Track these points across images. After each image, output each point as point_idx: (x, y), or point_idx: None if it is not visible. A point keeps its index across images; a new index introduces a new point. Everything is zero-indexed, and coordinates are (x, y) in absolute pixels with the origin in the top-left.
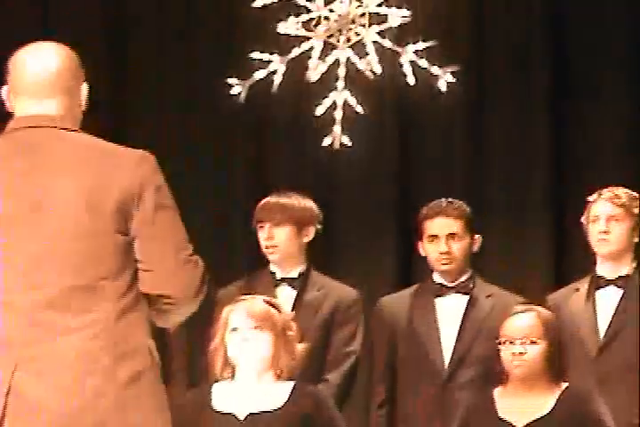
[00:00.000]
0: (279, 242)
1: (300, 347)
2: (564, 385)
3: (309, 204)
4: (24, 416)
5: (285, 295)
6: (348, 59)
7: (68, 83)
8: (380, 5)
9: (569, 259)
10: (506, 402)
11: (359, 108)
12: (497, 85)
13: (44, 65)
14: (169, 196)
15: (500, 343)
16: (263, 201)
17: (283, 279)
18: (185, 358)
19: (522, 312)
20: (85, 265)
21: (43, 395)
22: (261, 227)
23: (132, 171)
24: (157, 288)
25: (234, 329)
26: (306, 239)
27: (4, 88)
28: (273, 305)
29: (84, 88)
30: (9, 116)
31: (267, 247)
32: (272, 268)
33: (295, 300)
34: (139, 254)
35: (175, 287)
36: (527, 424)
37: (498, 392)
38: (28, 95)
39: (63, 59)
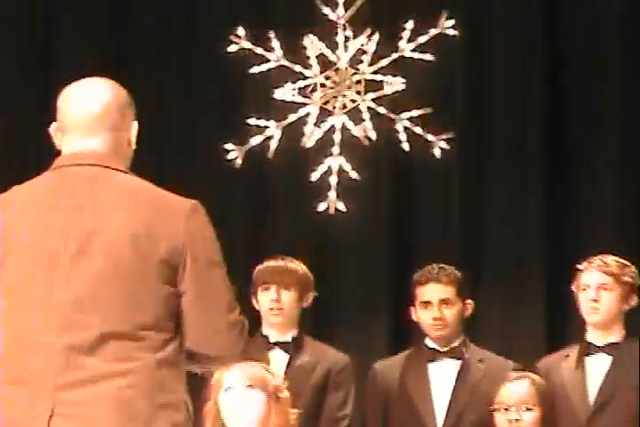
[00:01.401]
0: (285, 305)
1: (292, 414)
2: None
3: (307, 270)
4: None
5: (278, 359)
6: (344, 125)
7: (115, 120)
8: (375, 73)
9: (560, 325)
10: None
11: (354, 175)
12: (492, 155)
13: (91, 101)
14: (219, 251)
15: (495, 410)
16: (267, 264)
17: (276, 343)
18: None
19: (517, 379)
20: (129, 312)
21: None
22: (266, 289)
23: (183, 223)
24: (202, 347)
25: (227, 389)
26: (305, 304)
27: (53, 125)
28: (266, 370)
29: (135, 126)
30: (58, 153)
31: (271, 309)
32: (265, 331)
33: (288, 364)
34: (186, 310)
35: (220, 349)
36: None
37: None
38: (75, 132)
39: (111, 95)
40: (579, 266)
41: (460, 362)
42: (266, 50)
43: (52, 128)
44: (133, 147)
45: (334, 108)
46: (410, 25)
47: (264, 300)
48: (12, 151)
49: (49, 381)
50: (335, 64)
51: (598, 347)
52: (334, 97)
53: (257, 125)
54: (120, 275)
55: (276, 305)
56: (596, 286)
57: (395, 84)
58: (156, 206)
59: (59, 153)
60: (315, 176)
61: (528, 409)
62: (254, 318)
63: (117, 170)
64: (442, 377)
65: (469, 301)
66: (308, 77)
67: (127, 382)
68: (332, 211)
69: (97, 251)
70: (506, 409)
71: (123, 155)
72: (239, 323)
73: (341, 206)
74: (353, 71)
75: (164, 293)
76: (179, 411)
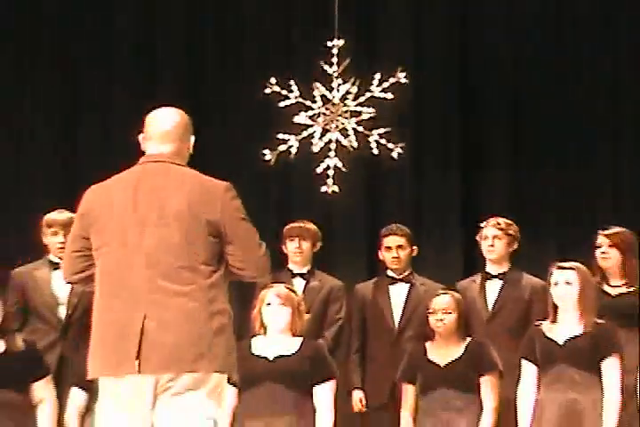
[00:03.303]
0: (303, 250)
1: (307, 316)
2: (469, 339)
3: (317, 228)
4: (153, 346)
5: (298, 284)
6: (337, 138)
7: (180, 134)
8: (357, 106)
9: (470, 262)
10: (433, 350)
11: (343, 169)
12: (424, 158)
13: (165, 122)
14: (244, 212)
15: (429, 313)
16: (292, 225)
17: (297, 274)
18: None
19: (443, 293)
20: (188, 254)
21: (163, 334)
22: (292, 240)
23: (221, 196)
24: (244, 271)
25: (268, 304)
26: (315, 250)
27: (141, 135)
28: (291, 290)
29: (192, 138)
30: (142, 153)
31: (294, 253)
32: (290, 266)
33: (304, 287)
34: (232, 250)
35: (256, 271)
36: (447, 364)
37: (428, 344)
38: (155, 140)
39: (178, 118)
40: (481, 224)
41: (408, 285)
42: (289, 92)
43: (140, 137)
44: (190, 151)
45: (331, 128)
46: (378, 76)
47: (290, 246)
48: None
49: (141, 296)
50: (331, 100)
51: (494, 275)
52: (331, 121)
53: (283, 139)
54: (183, 231)
55: (298, 250)
56: (492, 237)
57: (368, 112)
58: (202, 186)
59: (143, 153)
60: (319, 170)
61: (449, 313)
62: (283, 258)
63: (179, 165)
64: (398, 294)
65: (415, 246)
66: (314, 109)
67: (189, 298)
68: (330, 192)
69: (168, 216)
70: (435, 312)
71: (183, 156)
72: (266, 254)
73: (336, 189)
74: (342, 105)
75: (210, 241)
76: (224, 316)
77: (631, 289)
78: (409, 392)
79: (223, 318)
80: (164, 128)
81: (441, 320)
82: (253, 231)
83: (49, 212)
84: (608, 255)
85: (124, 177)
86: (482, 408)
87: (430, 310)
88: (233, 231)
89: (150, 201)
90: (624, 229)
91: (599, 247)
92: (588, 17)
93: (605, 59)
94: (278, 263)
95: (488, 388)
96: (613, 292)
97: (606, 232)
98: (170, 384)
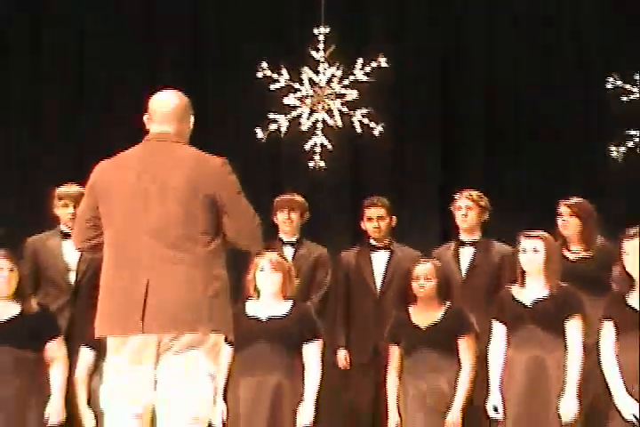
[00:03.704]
0: (293, 220)
1: (296, 281)
2: (448, 304)
3: (304, 200)
4: (155, 308)
5: (288, 251)
6: (323, 118)
7: (180, 115)
8: (341, 88)
9: (446, 230)
10: (415, 314)
11: (329, 146)
12: (406, 134)
13: (166, 104)
14: (239, 186)
15: (412, 279)
16: (282, 197)
17: (287, 242)
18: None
19: (424, 261)
20: (188, 225)
21: (165, 298)
22: (282, 211)
23: (218, 171)
24: (240, 240)
25: (261, 270)
26: (303, 220)
27: (145, 116)
28: (282, 257)
29: (192, 118)
30: (146, 132)
31: (284, 222)
32: (281, 235)
33: (294, 254)
34: (228, 221)
35: (251, 239)
36: (428, 325)
37: (411, 308)
38: (157, 121)
39: (178, 100)
40: (455, 196)
41: (389, 252)
42: (279, 75)
43: (145, 118)
44: (190, 130)
45: (318, 109)
46: (360, 61)
47: (280, 217)
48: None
49: (145, 263)
50: (318, 83)
51: (467, 242)
52: (318, 102)
53: (273, 119)
54: (182, 203)
55: (287, 221)
56: (465, 207)
57: (352, 95)
58: (201, 162)
59: (147, 132)
60: (307, 147)
61: (429, 279)
62: (274, 228)
63: (180, 143)
64: (379, 261)
65: (394, 217)
66: (302, 91)
67: (189, 264)
68: (317, 167)
69: (169, 190)
70: (417, 279)
71: (184, 135)
72: (259, 224)
73: (322, 164)
74: (328, 87)
75: (208, 213)
76: (221, 281)
77: (588, 254)
78: (394, 353)
79: (220, 283)
80: (165, 110)
81: (422, 286)
82: (247, 204)
83: (60, 186)
84: (568, 223)
85: (129, 154)
86: (459, 367)
87: (413, 277)
88: (229, 204)
89: (153, 176)
90: (583, 200)
91: (560, 216)
92: None
93: None
94: (269, 233)
95: (465, 349)
96: (572, 257)
97: (567, 202)
98: (171, 343)
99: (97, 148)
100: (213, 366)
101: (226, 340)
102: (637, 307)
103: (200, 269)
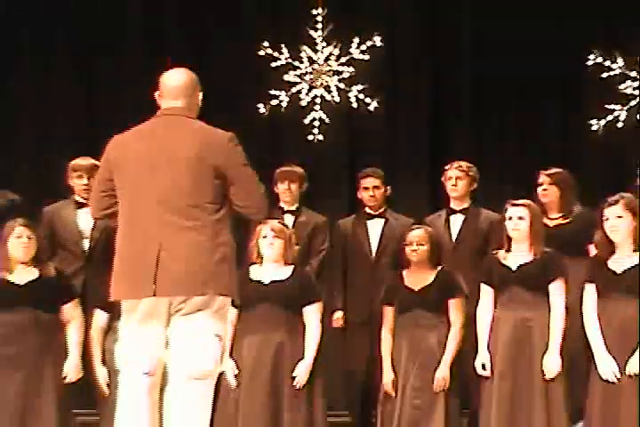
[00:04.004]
0: (292, 190)
1: (296, 247)
2: (439, 267)
3: (303, 171)
4: (166, 273)
5: (288, 219)
6: (322, 94)
7: (189, 91)
8: (338, 66)
9: (437, 199)
10: (409, 277)
11: (327, 120)
12: (399, 110)
13: (176, 80)
14: (245, 157)
15: (405, 245)
16: (282, 168)
17: (287, 211)
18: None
19: (417, 228)
20: (197, 194)
21: (175, 263)
22: (282, 182)
23: (225, 144)
24: (247, 207)
25: (264, 237)
26: (302, 190)
27: (157, 92)
28: (283, 224)
29: (200, 94)
30: (158, 107)
31: (284, 193)
32: (281, 204)
33: (294, 222)
34: (235, 190)
35: (257, 206)
36: (420, 288)
37: (404, 272)
38: (168, 97)
39: (187, 77)
40: (445, 167)
41: (383, 220)
42: (280, 54)
43: (156, 94)
44: (199, 105)
45: (316, 85)
46: (356, 40)
47: (281, 187)
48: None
49: (156, 231)
50: (316, 61)
51: (457, 210)
52: (316, 79)
53: (275, 95)
54: (191, 173)
55: (287, 191)
56: (455, 177)
57: (348, 72)
58: (209, 136)
59: (159, 107)
60: (306, 121)
61: (422, 245)
62: (275, 198)
63: (189, 117)
64: (374, 228)
65: (388, 186)
66: (301, 68)
67: (197, 232)
68: (315, 140)
69: (179, 161)
70: (410, 244)
71: (193, 110)
72: (264, 193)
73: (320, 137)
74: (326, 65)
75: (215, 183)
76: (227, 247)
77: (566, 221)
78: (388, 313)
79: (226, 249)
80: (175, 86)
81: (415, 251)
82: (253, 174)
83: (75, 158)
84: (548, 192)
85: (141, 128)
86: (449, 326)
87: (406, 242)
88: (235, 175)
89: (163, 148)
90: (562, 170)
91: (541, 185)
92: None
93: None
94: (270, 202)
95: (455, 309)
96: (551, 223)
97: (547, 172)
98: (181, 306)
99: (110, 121)
100: (220, 326)
101: (232, 303)
102: (617, 270)
103: (208, 236)
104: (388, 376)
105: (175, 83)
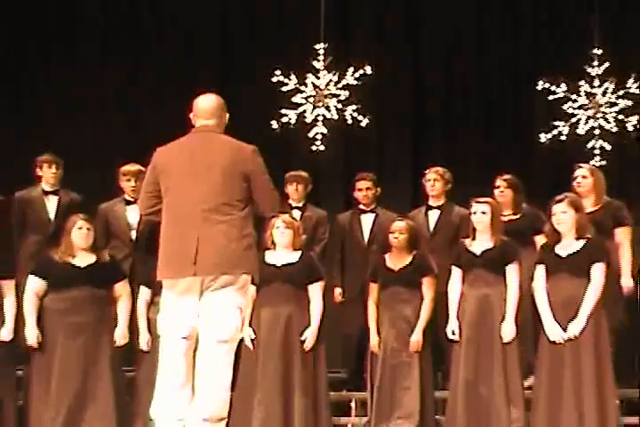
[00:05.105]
0: (300, 191)
1: (303, 237)
2: (415, 252)
3: (308, 176)
4: (203, 257)
5: (296, 214)
6: (323, 113)
7: (218, 112)
8: (337, 89)
9: (419, 198)
10: (391, 260)
11: (327, 134)
12: (388, 125)
13: (208, 104)
14: (265, 167)
15: (389, 233)
16: (291, 173)
17: (295, 207)
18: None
19: (399, 220)
20: (228, 194)
21: (211, 249)
22: (291, 184)
23: (250, 155)
24: (265, 207)
25: (277, 227)
26: (307, 190)
27: (192, 113)
28: (293, 218)
29: (227, 115)
30: (192, 126)
31: (293, 192)
32: (290, 202)
33: (301, 216)
34: (257, 193)
35: (273, 207)
36: (399, 268)
37: (387, 255)
38: (202, 117)
39: (216, 101)
40: (425, 171)
41: (374, 215)
42: (289, 80)
43: (191, 115)
44: (226, 123)
45: (318, 106)
46: (351, 69)
47: (290, 188)
48: None
49: (195, 224)
50: (318, 86)
51: (434, 206)
52: (318, 101)
53: (284, 113)
54: (224, 179)
55: (295, 191)
56: (433, 180)
57: (344, 95)
58: (237, 148)
59: (193, 126)
60: (310, 135)
61: (402, 233)
62: (285, 196)
63: (219, 133)
64: (366, 221)
65: (378, 187)
66: (306, 92)
67: (229, 224)
68: (317, 150)
69: (215, 169)
70: (393, 232)
71: (221, 127)
72: (278, 195)
73: (322, 148)
74: (327, 89)
75: (243, 186)
76: (251, 237)
77: (516, 217)
78: (373, 289)
79: (250, 239)
80: (207, 108)
81: (396, 238)
82: (270, 181)
83: (125, 165)
84: (504, 193)
85: (181, 142)
86: (422, 300)
87: (390, 231)
88: (257, 180)
89: (202, 158)
90: (513, 176)
91: (498, 188)
92: None
93: None
94: (281, 200)
95: (427, 285)
96: (505, 219)
97: (503, 177)
98: (211, 283)
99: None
100: (242, 300)
101: (252, 281)
102: (562, 255)
103: (236, 228)
104: (373, 339)
105: (207, 106)
